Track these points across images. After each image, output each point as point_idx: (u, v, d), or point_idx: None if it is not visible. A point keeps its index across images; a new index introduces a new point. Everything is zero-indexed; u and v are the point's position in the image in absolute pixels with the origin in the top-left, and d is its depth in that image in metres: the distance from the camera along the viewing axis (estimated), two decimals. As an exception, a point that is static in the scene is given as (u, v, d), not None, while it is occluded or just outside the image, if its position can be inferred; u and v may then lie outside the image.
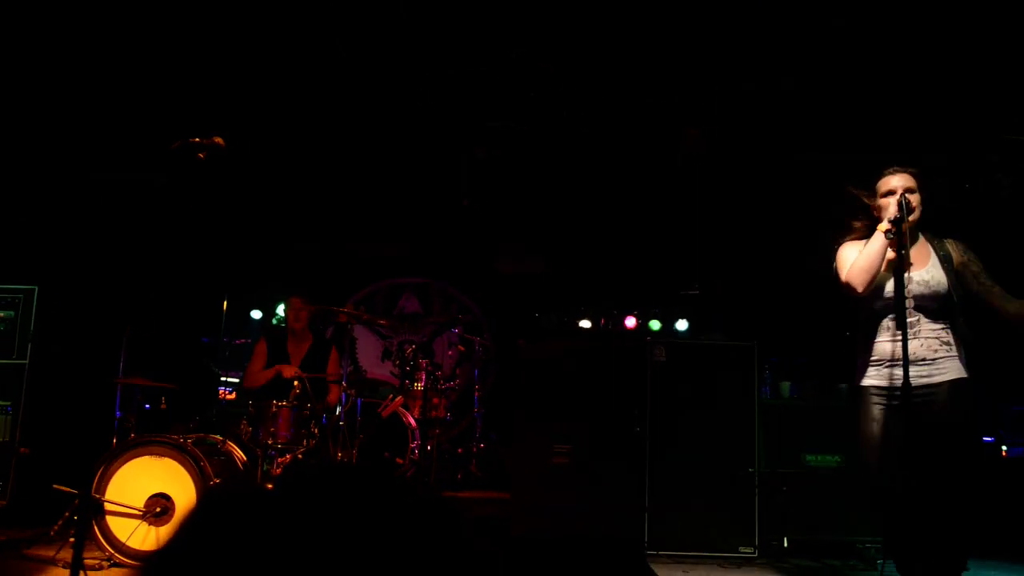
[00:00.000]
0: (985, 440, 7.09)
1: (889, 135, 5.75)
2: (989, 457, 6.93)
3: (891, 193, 3.36)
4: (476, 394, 6.25)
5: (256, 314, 8.03)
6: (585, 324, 8.03)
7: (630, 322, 8.10)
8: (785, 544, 5.25)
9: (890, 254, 3.37)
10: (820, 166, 5.75)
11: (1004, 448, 7.24)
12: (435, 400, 5.90)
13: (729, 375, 5.37)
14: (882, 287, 3.38)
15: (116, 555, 4.10)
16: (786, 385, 5.65)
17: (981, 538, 5.22)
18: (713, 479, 5.25)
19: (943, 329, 3.35)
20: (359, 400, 5.46)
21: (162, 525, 4.09)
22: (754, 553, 5.19)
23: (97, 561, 4.05)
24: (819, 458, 5.33)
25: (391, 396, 5.86)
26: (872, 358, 3.43)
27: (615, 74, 5.60)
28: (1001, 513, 5.65)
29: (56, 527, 4.50)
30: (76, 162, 5.89)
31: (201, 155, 3.00)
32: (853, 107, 5.71)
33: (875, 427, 3.38)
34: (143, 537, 4.09)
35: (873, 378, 3.42)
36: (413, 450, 5.83)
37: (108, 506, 4.16)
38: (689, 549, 5.17)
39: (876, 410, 3.39)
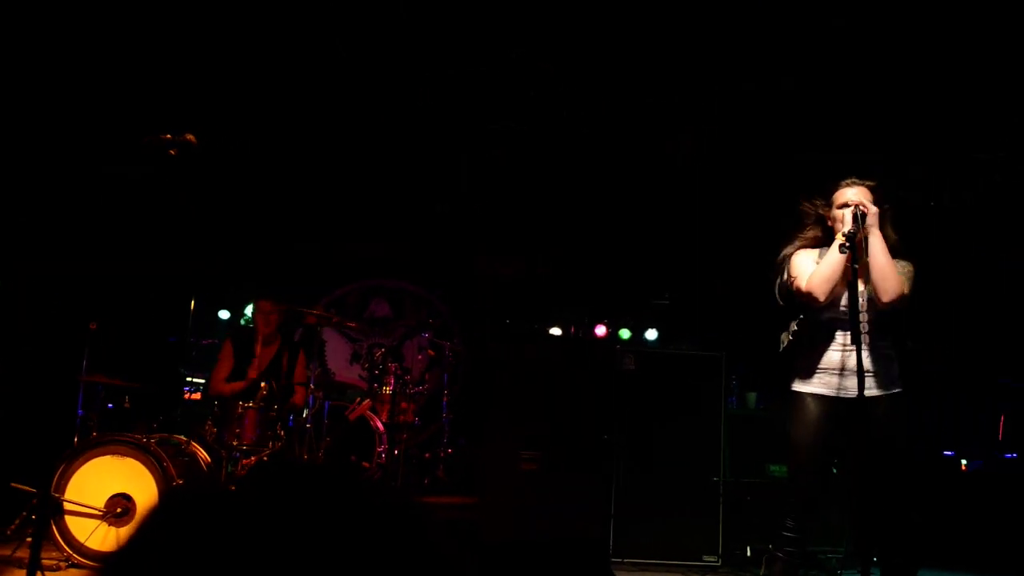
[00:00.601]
0: (945, 454, 7.22)
1: (873, 137, 5.80)
2: (948, 470, 7.05)
3: (846, 205, 3.40)
4: (445, 399, 6.24)
5: (224, 314, 7.94)
6: (555, 332, 8.06)
7: (600, 330, 8.14)
8: (748, 553, 5.30)
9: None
10: (798, 167, 5.79)
11: (964, 462, 7.36)
12: (403, 404, 5.88)
13: (697, 385, 5.42)
14: (836, 298, 3.42)
15: (74, 556, 4.03)
16: (752, 395, 5.71)
17: (941, 549, 5.34)
18: (679, 488, 5.29)
19: (886, 343, 3.43)
20: (327, 403, 5.42)
21: (122, 526, 4.03)
22: (717, 562, 5.24)
23: (55, 562, 3.98)
24: (782, 468, 5.39)
25: (359, 399, 5.82)
26: (817, 366, 3.44)
27: (597, 76, 5.60)
28: (961, 525, 5.76)
29: (13, 526, 4.41)
30: (43, 156, 5.79)
31: (172, 151, 2.96)
32: (835, 109, 5.75)
33: (809, 435, 3.41)
34: (103, 538, 4.02)
35: (815, 385, 3.43)
36: (380, 454, 5.80)
37: (67, 506, 4.09)
38: (654, 557, 5.20)
39: (812, 417, 3.41)
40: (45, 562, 3.77)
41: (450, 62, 5.42)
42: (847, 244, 3.24)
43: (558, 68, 5.47)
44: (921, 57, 5.13)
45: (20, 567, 3.91)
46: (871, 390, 3.32)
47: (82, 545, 4.03)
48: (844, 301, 3.37)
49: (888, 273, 3.29)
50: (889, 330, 3.43)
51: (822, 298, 3.37)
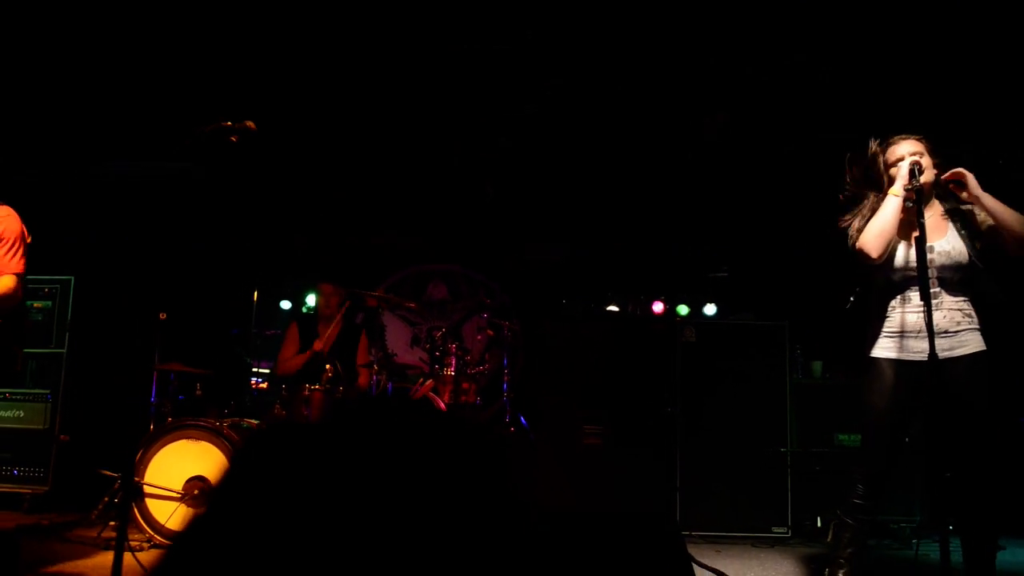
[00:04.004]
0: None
1: (917, 116, 5.64)
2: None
3: (900, 161, 3.30)
4: (505, 379, 6.27)
5: (286, 304, 8.10)
6: (612, 310, 8.01)
7: (658, 307, 8.06)
8: (818, 524, 5.23)
9: (901, 220, 3.32)
10: (847, 144, 5.66)
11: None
12: (465, 385, 5.92)
13: (760, 355, 5.36)
14: (901, 257, 3.31)
15: (156, 536, 4.18)
16: (818, 365, 5.61)
17: (1015, 517, 5.17)
18: (745, 459, 5.24)
19: (964, 301, 3.28)
20: (390, 384, 5.50)
21: (200, 507, 4.16)
22: (787, 533, 5.18)
23: (138, 543, 4.13)
24: (852, 438, 5.29)
25: (421, 380, 5.89)
26: (889, 329, 3.35)
27: (637, 53, 5.54)
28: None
29: (97, 511, 4.61)
30: (108, 151, 5.97)
31: (233, 139, 3.03)
32: (881, 88, 5.60)
33: (883, 401, 3.30)
34: (182, 518, 4.16)
35: (888, 350, 3.33)
36: (444, 435, 5.84)
37: (147, 489, 4.24)
38: (721, 529, 5.17)
39: (887, 382, 3.31)
40: (130, 543, 3.92)
41: (472, 41, 5.39)
42: (910, 197, 3.15)
43: (579, 49, 5.41)
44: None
45: (106, 548, 4.07)
46: (949, 351, 3.21)
47: (163, 526, 4.18)
48: (909, 259, 3.27)
49: (1016, 223, 3.15)
50: (968, 286, 3.30)
51: (875, 254, 3.26)
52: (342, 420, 0.80)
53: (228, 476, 0.80)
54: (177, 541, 0.76)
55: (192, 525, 0.76)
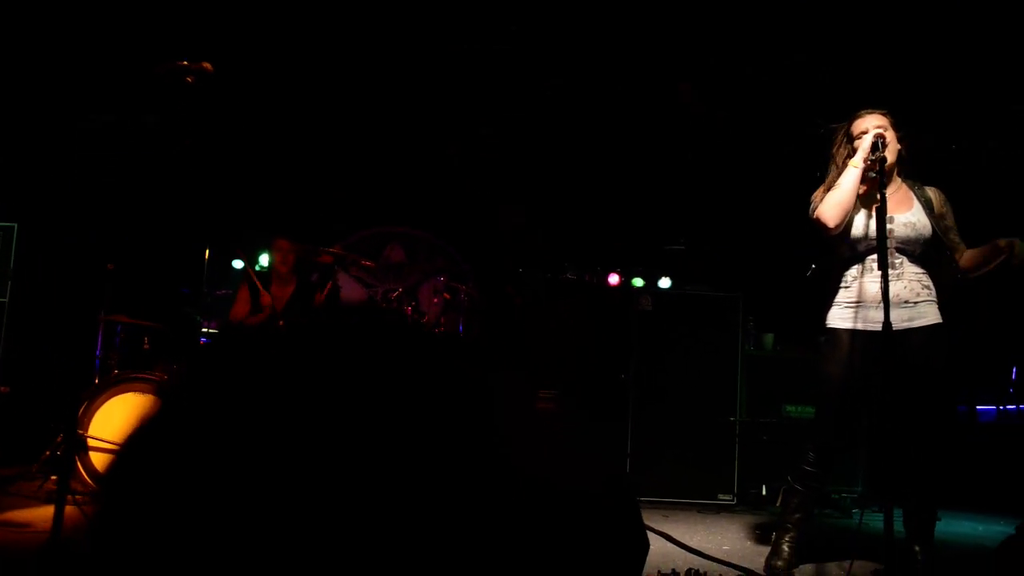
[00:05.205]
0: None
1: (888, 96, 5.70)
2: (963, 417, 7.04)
3: (864, 134, 3.33)
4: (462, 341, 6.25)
5: (238, 264, 7.94)
6: (570, 278, 8.02)
7: (613, 279, 8.10)
8: (763, 492, 5.33)
9: (863, 191, 3.37)
10: (809, 117, 5.72)
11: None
12: (419, 348, 5.88)
13: (714, 326, 5.42)
14: (861, 227, 3.35)
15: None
16: (770, 337, 5.69)
17: (951, 492, 5.35)
18: (695, 428, 5.31)
19: (924, 273, 3.34)
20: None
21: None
22: (733, 501, 5.28)
23: (81, 496, 4.03)
24: (799, 409, 5.40)
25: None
26: (847, 300, 3.39)
27: (604, 26, 5.51)
28: (975, 472, 5.75)
29: (38, 464, 4.49)
30: (60, 99, 5.75)
31: (189, 79, 2.92)
32: (848, 72, 5.64)
33: (840, 370, 3.34)
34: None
35: (846, 320, 3.38)
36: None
37: (91, 442, 4.14)
38: (669, 496, 5.24)
39: (843, 352, 3.34)
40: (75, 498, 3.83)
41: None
42: (872, 168, 3.19)
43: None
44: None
45: (48, 502, 3.97)
46: (908, 321, 3.26)
47: (107, 480, 4.09)
48: (869, 229, 3.31)
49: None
50: (929, 259, 3.36)
51: (831, 224, 3.30)
52: (309, 326, 0.76)
53: (179, 384, 0.76)
54: (123, 451, 0.71)
55: (139, 432, 0.71)
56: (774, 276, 6.39)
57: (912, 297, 3.30)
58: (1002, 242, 3.20)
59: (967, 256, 3.37)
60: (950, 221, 3.41)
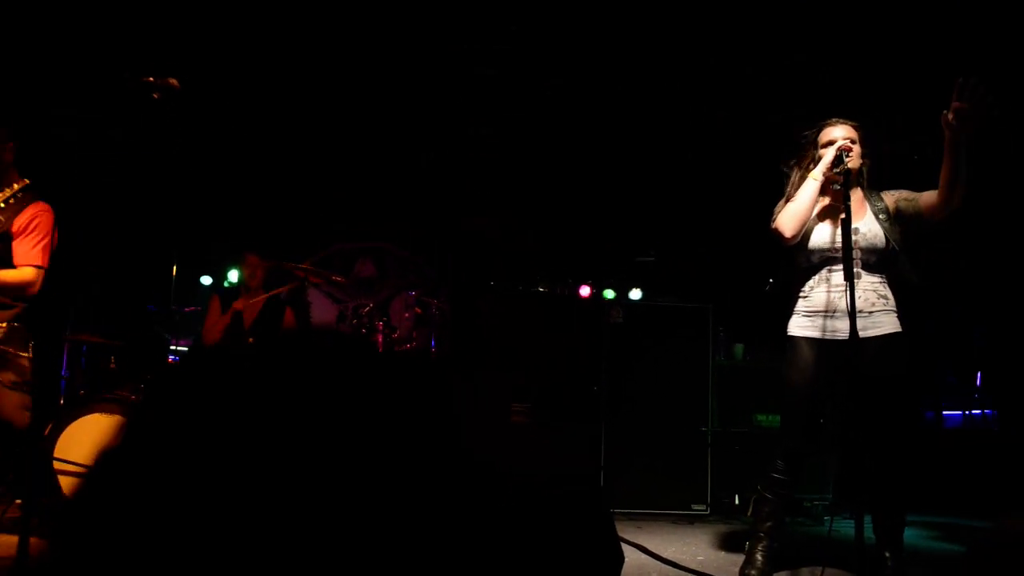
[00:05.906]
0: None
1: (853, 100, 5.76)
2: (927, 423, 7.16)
3: (831, 143, 3.35)
4: (432, 357, 6.22)
5: (206, 280, 7.86)
6: (541, 291, 8.04)
7: (584, 291, 8.14)
8: (736, 501, 5.37)
9: (823, 202, 3.40)
10: (779, 128, 5.78)
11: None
12: (391, 363, 5.84)
13: (685, 337, 5.46)
14: (822, 237, 3.37)
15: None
16: (740, 347, 5.75)
17: (920, 497, 5.42)
18: (668, 438, 5.34)
19: (880, 282, 3.37)
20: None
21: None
22: (706, 510, 5.31)
23: (46, 520, 3.94)
24: (770, 418, 5.45)
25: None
26: (808, 309, 3.41)
27: (604, 26, 5.51)
28: (940, 477, 5.84)
29: (2, 488, 4.38)
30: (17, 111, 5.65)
31: (155, 95, 2.90)
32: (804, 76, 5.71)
33: (802, 379, 3.37)
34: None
35: (807, 329, 3.40)
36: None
37: (57, 464, 4.05)
38: (643, 507, 5.26)
39: (806, 361, 3.37)
40: (36, 521, 3.73)
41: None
42: (837, 181, 3.22)
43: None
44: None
45: (11, 530, 3.87)
46: (862, 331, 3.23)
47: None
48: (835, 240, 3.35)
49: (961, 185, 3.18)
50: (884, 268, 3.39)
51: (789, 234, 3.32)
52: (274, 348, 0.76)
53: (146, 405, 0.75)
54: (92, 474, 0.70)
55: (107, 458, 0.70)
56: (744, 287, 6.45)
57: (867, 307, 3.32)
58: (948, 113, 3.08)
59: (938, 191, 3.26)
60: (906, 193, 3.41)
